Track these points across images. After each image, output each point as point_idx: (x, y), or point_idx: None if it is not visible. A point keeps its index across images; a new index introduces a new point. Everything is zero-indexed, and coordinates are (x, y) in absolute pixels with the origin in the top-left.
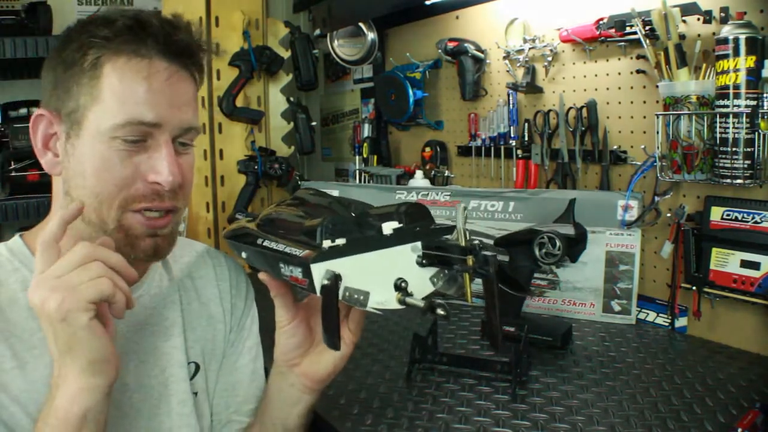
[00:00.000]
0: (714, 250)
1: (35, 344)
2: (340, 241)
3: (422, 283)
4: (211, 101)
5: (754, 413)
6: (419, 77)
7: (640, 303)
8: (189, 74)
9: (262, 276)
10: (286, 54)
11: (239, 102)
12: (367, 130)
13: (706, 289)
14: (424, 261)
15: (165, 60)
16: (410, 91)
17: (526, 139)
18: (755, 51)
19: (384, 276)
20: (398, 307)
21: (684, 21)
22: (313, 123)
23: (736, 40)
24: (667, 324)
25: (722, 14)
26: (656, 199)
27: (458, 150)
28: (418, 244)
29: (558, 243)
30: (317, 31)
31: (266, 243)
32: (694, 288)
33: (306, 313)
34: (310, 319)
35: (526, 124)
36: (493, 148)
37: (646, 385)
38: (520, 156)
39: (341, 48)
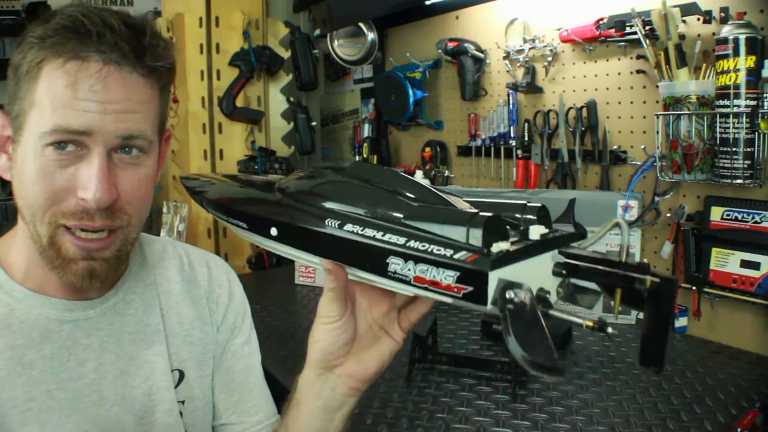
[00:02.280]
0: (714, 250)
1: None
2: (504, 246)
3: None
4: (211, 101)
5: (754, 413)
6: (419, 77)
7: None
8: (139, 75)
9: (328, 264)
10: (286, 54)
11: (239, 102)
12: (367, 130)
13: (706, 289)
14: (564, 271)
15: (101, 61)
16: (410, 91)
17: (526, 139)
18: (755, 51)
19: (527, 284)
20: None
21: (684, 21)
22: (313, 123)
23: (736, 40)
24: None
25: (722, 14)
26: (656, 199)
27: (458, 150)
28: (556, 251)
29: None
30: (317, 31)
31: (358, 230)
32: (694, 288)
33: (351, 304)
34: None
35: (526, 124)
36: (493, 148)
37: (646, 385)
38: (520, 156)
39: (341, 48)
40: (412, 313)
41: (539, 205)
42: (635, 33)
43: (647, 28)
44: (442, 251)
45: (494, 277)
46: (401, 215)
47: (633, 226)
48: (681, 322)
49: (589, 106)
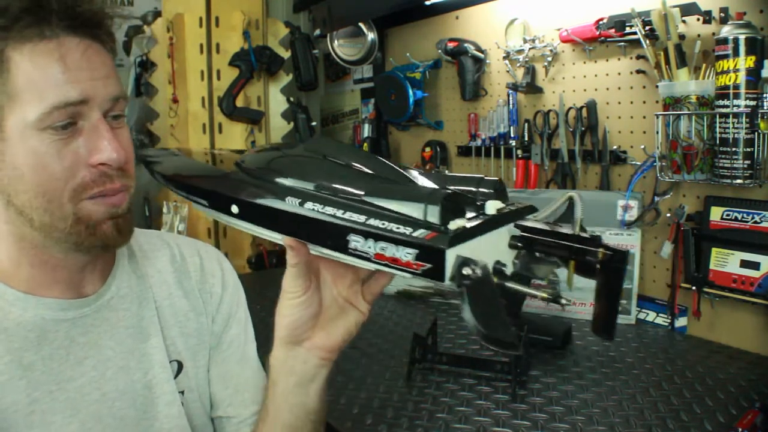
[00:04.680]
0: (714, 250)
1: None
2: (461, 222)
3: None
4: (211, 101)
5: (753, 413)
6: (419, 77)
7: (640, 303)
8: (102, 45)
9: (290, 241)
10: (286, 54)
11: (239, 102)
12: (367, 130)
13: (705, 289)
14: (520, 244)
15: (74, 35)
16: (410, 91)
17: (526, 139)
18: (755, 51)
19: (485, 259)
20: None
21: (684, 21)
22: (313, 123)
23: (736, 41)
24: (667, 324)
25: (722, 14)
26: (656, 199)
27: (458, 150)
28: (512, 225)
29: None
30: (317, 32)
31: (319, 208)
32: (693, 288)
33: (316, 278)
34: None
35: (526, 124)
36: (493, 148)
37: (646, 385)
38: (520, 156)
39: (341, 48)
40: (374, 286)
41: (495, 179)
42: (635, 33)
43: (647, 28)
44: (401, 229)
45: (452, 255)
46: (361, 192)
47: (633, 226)
48: (681, 322)
49: (589, 106)
